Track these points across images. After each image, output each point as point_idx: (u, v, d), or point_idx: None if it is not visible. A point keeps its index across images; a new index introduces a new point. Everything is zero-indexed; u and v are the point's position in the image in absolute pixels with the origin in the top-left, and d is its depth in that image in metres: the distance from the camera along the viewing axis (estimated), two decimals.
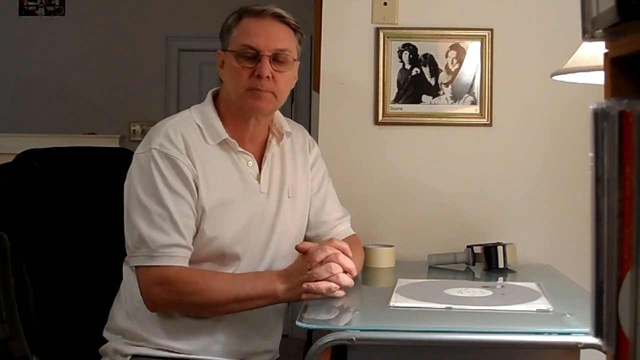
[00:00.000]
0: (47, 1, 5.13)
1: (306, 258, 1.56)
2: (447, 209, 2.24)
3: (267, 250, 1.68)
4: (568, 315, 1.46)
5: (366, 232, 2.14)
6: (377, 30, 2.23)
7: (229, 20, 1.68)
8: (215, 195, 1.61)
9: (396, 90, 2.23)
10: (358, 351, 1.40)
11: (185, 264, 1.57)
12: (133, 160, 1.62)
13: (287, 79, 1.66)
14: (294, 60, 1.66)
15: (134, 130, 5.05)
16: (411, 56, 2.23)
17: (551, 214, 2.24)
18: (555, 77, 1.87)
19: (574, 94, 2.09)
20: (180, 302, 1.58)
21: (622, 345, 0.71)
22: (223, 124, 1.66)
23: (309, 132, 1.91)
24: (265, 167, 1.69)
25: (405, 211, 2.25)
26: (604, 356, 0.83)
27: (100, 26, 5.06)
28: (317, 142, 1.94)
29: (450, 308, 1.51)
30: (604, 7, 0.75)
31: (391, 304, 1.55)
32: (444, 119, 2.23)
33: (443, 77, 2.23)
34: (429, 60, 2.23)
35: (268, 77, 1.60)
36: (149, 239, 1.54)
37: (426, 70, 2.23)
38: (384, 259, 2.06)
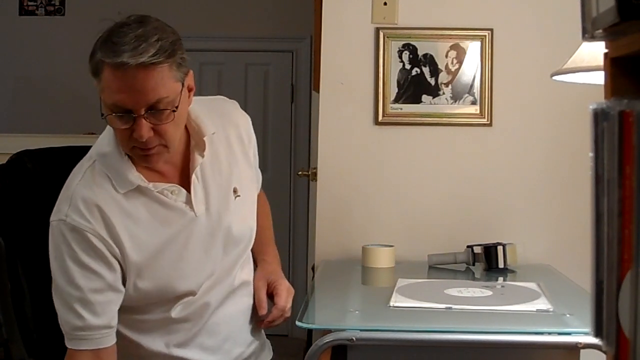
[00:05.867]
0: (47, 1, 5.13)
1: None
2: (447, 209, 2.24)
3: (230, 260, 1.56)
4: (568, 315, 1.46)
5: (366, 232, 2.14)
6: (377, 30, 2.23)
7: (96, 53, 1.43)
8: (146, 245, 1.44)
9: (396, 90, 2.23)
10: (358, 351, 1.40)
11: (103, 345, 1.43)
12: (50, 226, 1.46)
13: (174, 125, 1.39)
14: (175, 107, 1.36)
15: None
16: (411, 56, 2.23)
17: (551, 214, 2.23)
18: (555, 77, 1.87)
19: (574, 94, 2.09)
20: None
21: (622, 345, 0.71)
22: (132, 160, 1.44)
23: (309, 131, 1.90)
24: (194, 188, 1.49)
25: (405, 211, 2.25)
26: (604, 356, 0.83)
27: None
28: (317, 142, 1.93)
29: (450, 308, 1.52)
30: (604, 7, 0.75)
31: (391, 303, 1.55)
32: (444, 119, 2.23)
33: (443, 77, 2.23)
34: (429, 60, 2.23)
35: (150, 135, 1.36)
36: (64, 321, 1.43)
37: (426, 70, 2.23)
38: (384, 259, 2.06)
